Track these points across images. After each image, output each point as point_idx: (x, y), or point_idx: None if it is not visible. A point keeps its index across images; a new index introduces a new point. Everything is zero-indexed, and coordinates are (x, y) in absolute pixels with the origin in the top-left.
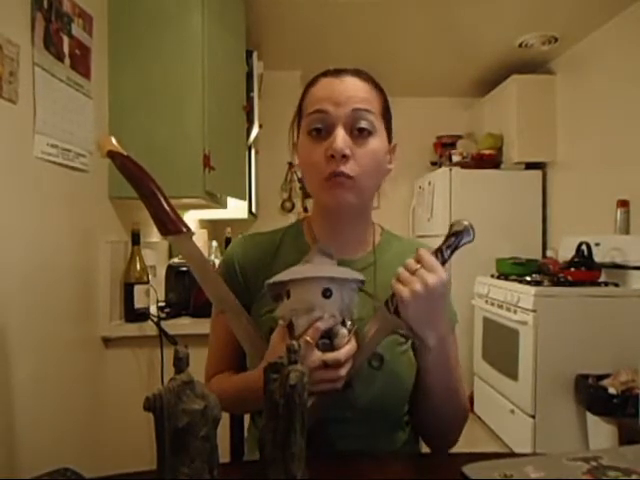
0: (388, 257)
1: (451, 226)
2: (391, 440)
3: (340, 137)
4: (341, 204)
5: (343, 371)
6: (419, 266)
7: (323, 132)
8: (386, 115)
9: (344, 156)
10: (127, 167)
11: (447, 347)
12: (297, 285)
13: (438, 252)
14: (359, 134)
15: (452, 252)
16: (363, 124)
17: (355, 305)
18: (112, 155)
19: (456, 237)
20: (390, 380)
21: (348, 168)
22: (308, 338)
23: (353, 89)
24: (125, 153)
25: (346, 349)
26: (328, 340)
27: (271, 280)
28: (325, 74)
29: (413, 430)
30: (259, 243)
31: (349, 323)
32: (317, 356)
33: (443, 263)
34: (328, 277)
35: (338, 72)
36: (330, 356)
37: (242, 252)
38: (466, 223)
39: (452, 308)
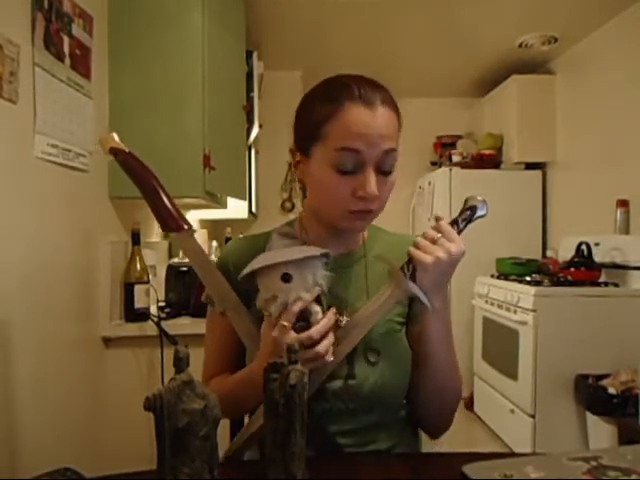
0: (377, 250)
1: (466, 200)
2: (390, 435)
3: (373, 181)
4: (356, 232)
5: (321, 347)
6: (439, 235)
7: (352, 169)
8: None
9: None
10: (129, 164)
11: (447, 309)
12: (261, 275)
13: (454, 224)
14: (384, 172)
15: (466, 224)
16: (389, 167)
17: (324, 279)
18: (114, 152)
19: (471, 210)
20: (390, 368)
21: (374, 205)
22: (285, 323)
23: (385, 126)
24: (127, 150)
25: (319, 325)
26: (304, 322)
27: (239, 276)
28: (351, 95)
29: (410, 423)
30: (253, 244)
31: (323, 299)
32: (291, 337)
33: (458, 234)
34: (282, 262)
35: (369, 99)
36: (303, 335)
37: (237, 253)
38: (480, 198)
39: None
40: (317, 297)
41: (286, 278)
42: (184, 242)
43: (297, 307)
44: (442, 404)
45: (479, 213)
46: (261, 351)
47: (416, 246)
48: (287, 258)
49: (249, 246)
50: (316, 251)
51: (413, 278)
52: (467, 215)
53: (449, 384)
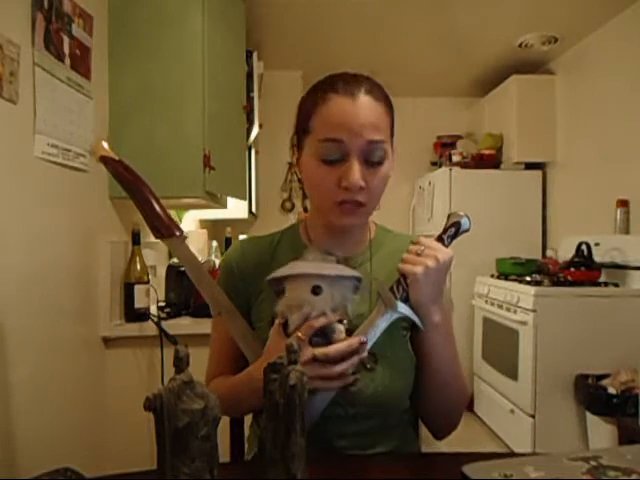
0: (384, 252)
1: (449, 216)
2: (391, 438)
3: (356, 171)
4: (348, 227)
5: (338, 368)
6: (422, 248)
7: (335, 159)
8: (393, 129)
9: (360, 187)
10: (119, 172)
11: (448, 321)
12: (291, 282)
13: (439, 240)
14: (372, 163)
15: (451, 240)
16: (377, 157)
17: (350, 302)
18: (105, 160)
19: (455, 227)
20: (390, 375)
21: (362, 197)
22: (300, 334)
23: (367, 115)
24: (117, 158)
25: (338, 345)
26: (322, 338)
27: (269, 277)
28: (335, 89)
29: (414, 427)
30: (257, 245)
31: (345, 321)
32: (309, 351)
33: None
34: (317, 274)
35: (351, 91)
36: (319, 351)
37: (240, 255)
38: (462, 214)
39: (449, 296)
40: (341, 319)
41: (316, 291)
42: (176, 248)
43: (318, 324)
44: (449, 412)
45: (462, 229)
46: (266, 354)
47: (403, 262)
48: (322, 272)
49: (252, 248)
50: (350, 272)
51: (404, 298)
52: (452, 232)
53: (454, 395)
